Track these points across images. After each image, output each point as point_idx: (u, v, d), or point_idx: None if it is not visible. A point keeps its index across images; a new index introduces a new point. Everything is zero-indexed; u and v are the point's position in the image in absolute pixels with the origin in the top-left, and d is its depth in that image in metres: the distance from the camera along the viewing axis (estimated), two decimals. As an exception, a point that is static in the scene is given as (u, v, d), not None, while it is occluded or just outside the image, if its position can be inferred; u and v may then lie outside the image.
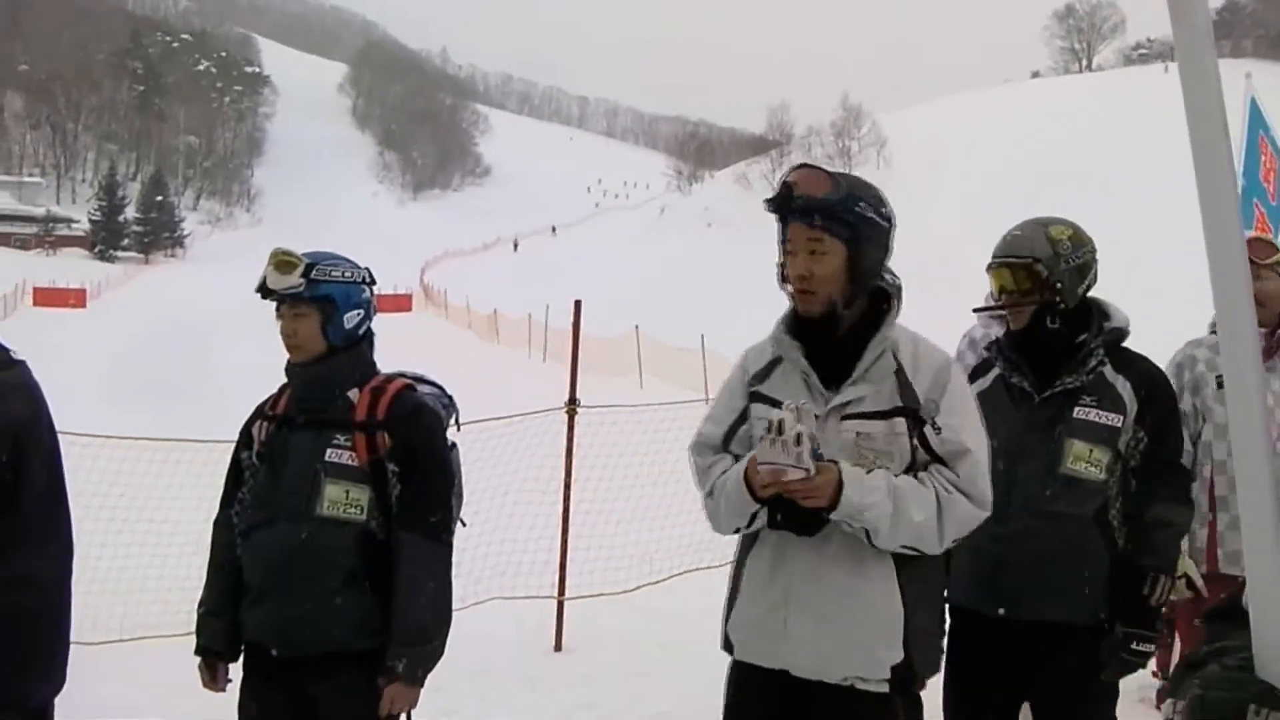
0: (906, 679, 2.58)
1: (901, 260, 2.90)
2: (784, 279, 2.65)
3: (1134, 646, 3.19)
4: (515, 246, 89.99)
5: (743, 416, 2.75)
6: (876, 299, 2.67)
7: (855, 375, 2.60)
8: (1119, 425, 3.25)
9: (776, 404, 2.59)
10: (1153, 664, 4.51)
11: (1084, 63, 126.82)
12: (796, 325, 2.68)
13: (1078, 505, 3.21)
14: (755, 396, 2.72)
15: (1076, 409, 3.25)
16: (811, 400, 2.59)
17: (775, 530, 2.62)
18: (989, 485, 2.59)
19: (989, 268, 3.43)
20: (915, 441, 2.57)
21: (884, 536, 2.48)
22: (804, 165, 2.67)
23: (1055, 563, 3.16)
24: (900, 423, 2.57)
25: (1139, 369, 3.35)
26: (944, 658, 2.77)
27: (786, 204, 2.58)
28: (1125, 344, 3.40)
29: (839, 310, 2.59)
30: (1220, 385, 4.01)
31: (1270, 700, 1.30)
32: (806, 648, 2.59)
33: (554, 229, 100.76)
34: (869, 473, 2.49)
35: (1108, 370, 3.31)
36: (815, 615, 2.57)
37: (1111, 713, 3.31)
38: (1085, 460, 3.22)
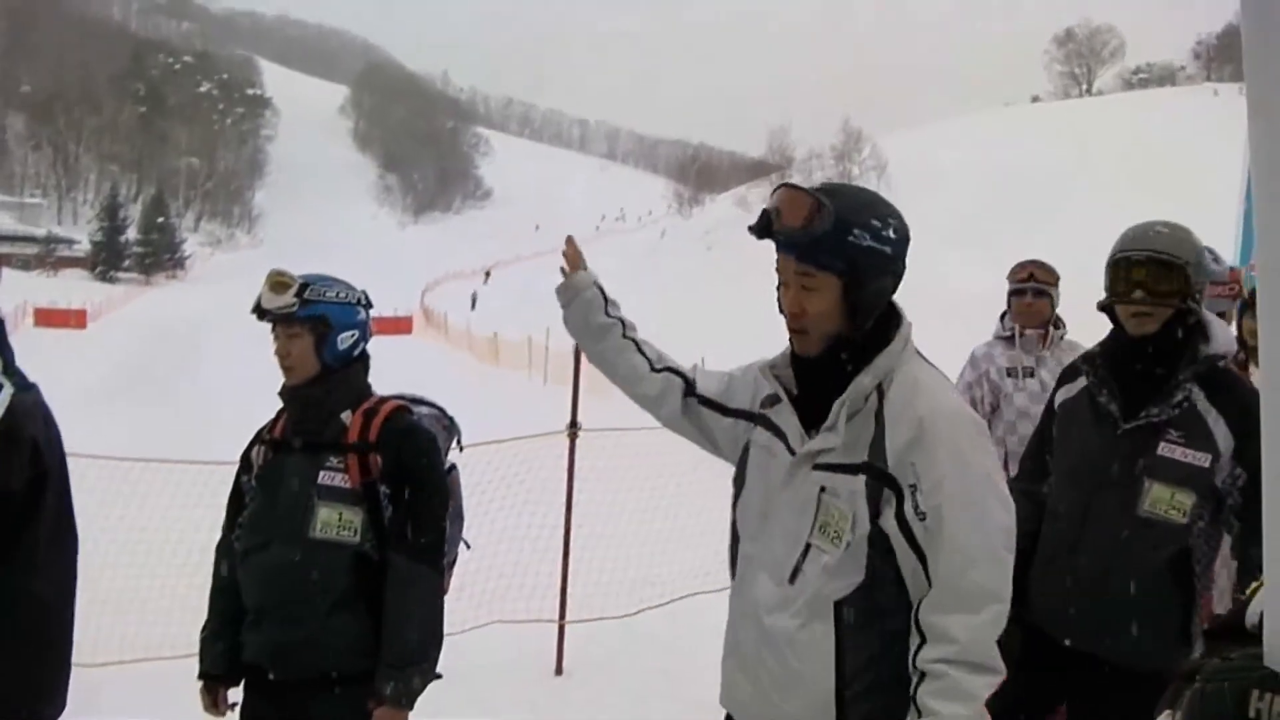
0: None
1: (902, 283, 2.52)
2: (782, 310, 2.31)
3: None
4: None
5: (747, 414, 2.52)
6: (884, 327, 2.28)
7: (829, 420, 2.23)
8: (1206, 465, 2.98)
9: (780, 433, 2.35)
10: None
11: (1084, 87, 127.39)
12: (795, 358, 2.36)
13: (1152, 550, 3.01)
14: (762, 419, 2.44)
15: (1162, 445, 3.02)
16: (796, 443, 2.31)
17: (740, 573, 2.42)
18: (990, 631, 2.11)
19: (1112, 260, 3.12)
20: (891, 518, 2.15)
21: None
22: (785, 185, 2.27)
23: (1125, 608, 3.00)
24: (861, 480, 2.18)
25: (1237, 401, 2.97)
26: None
27: (767, 235, 2.23)
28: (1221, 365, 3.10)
29: (839, 351, 2.25)
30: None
31: (1275, 685, 1.28)
32: (747, 703, 2.36)
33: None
34: None
35: (1200, 401, 3.03)
36: (750, 673, 2.33)
37: None
38: (1167, 503, 3.00)
